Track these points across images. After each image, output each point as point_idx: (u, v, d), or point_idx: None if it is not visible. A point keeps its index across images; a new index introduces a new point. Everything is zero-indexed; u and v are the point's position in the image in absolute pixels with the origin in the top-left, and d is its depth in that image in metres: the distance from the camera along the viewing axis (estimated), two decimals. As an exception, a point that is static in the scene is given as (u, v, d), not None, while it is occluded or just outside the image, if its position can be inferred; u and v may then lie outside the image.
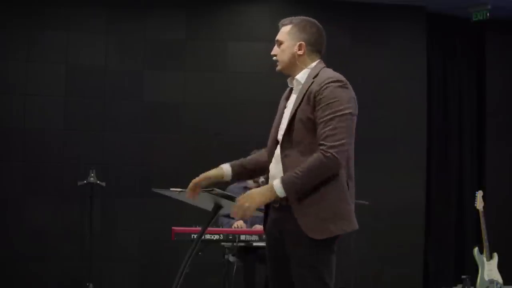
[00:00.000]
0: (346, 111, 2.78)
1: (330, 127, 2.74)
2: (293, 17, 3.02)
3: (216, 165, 3.11)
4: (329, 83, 2.81)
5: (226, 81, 7.27)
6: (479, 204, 6.43)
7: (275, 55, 3.01)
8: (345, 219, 2.83)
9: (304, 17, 3.03)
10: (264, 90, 6.77)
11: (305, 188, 2.75)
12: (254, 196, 2.77)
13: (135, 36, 7.18)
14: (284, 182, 2.75)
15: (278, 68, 3.02)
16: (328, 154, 2.72)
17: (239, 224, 5.39)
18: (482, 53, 8.08)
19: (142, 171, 7.03)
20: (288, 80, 3.06)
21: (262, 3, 7.50)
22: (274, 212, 2.96)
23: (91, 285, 6.48)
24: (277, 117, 3.06)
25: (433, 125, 7.86)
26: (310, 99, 2.83)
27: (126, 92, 7.13)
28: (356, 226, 2.86)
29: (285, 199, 2.81)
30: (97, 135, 7.02)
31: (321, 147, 2.74)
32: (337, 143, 2.73)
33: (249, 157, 3.17)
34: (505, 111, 8.03)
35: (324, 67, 2.96)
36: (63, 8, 7.01)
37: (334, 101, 2.77)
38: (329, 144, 2.72)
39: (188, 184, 3.01)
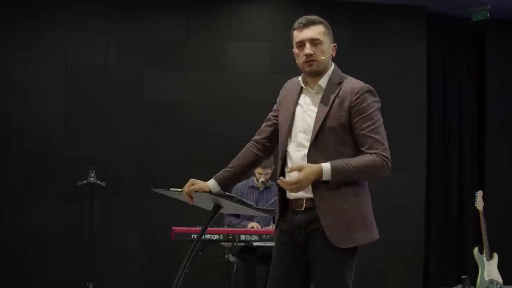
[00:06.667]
0: (382, 121, 2.86)
1: (379, 136, 2.81)
2: (313, 17, 2.91)
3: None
4: (364, 92, 2.85)
5: (226, 81, 7.27)
6: (479, 204, 6.43)
7: (312, 54, 2.86)
8: (372, 227, 2.89)
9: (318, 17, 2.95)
10: (264, 90, 6.76)
11: (349, 180, 2.79)
12: (309, 176, 2.71)
13: (135, 36, 7.18)
14: (334, 169, 2.73)
15: (315, 68, 2.88)
16: (385, 162, 2.80)
17: (254, 225, 5.40)
18: (482, 53, 8.08)
19: (142, 171, 7.03)
20: (302, 79, 2.97)
21: (262, 3, 7.50)
22: (297, 215, 2.89)
23: (91, 285, 6.48)
24: (285, 112, 2.98)
25: (433, 125, 7.86)
26: (343, 106, 2.83)
27: (126, 92, 7.13)
28: (378, 235, 2.90)
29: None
30: (97, 135, 7.02)
31: (374, 152, 2.78)
32: (388, 152, 2.81)
33: (231, 165, 3.08)
34: (505, 110, 8.03)
35: (342, 72, 2.96)
36: (63, 8, 7.01)
37: (373, 111, 2.83)
38: (383, 153, 2.79)
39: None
